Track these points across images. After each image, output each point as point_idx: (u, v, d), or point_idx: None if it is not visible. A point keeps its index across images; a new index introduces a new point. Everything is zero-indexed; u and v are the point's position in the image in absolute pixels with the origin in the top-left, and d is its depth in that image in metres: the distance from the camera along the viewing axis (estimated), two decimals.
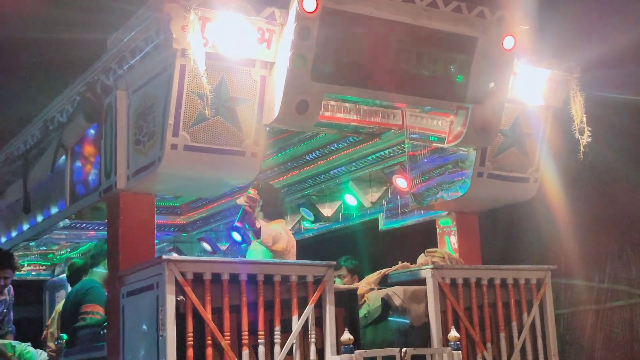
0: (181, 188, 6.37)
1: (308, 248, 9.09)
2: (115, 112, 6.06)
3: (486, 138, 6.50)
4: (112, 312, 5.95)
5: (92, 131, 6.46)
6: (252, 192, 6.60)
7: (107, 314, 6.08)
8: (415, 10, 6.03)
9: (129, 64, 5.83)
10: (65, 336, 6.81)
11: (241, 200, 6.55)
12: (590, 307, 9.37)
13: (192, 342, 5.28)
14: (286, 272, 5.70)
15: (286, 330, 5.63)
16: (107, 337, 6.03)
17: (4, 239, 8.44)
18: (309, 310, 5.69)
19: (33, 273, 10.11)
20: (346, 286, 6.23)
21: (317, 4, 5.62)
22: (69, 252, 9.97)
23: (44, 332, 8.25)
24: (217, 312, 5.43)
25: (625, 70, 7.53)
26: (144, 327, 5.49)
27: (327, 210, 8.68)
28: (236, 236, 9.51)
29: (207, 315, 5.36)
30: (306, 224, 9.02)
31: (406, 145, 7.19)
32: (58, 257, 10.30)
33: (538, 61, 6.75)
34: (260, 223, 6.68)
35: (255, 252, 7.04)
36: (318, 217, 8.71)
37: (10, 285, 8.45)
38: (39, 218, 7.48)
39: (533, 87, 6.77)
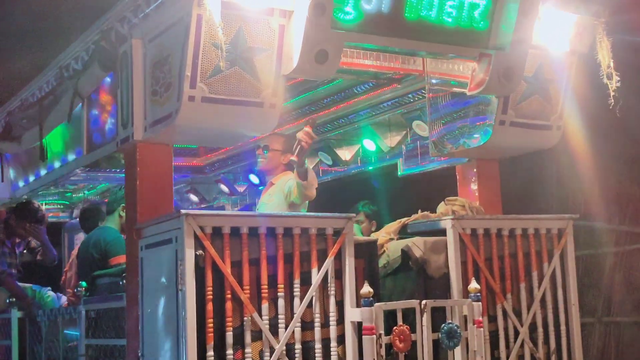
0: (199, 139, 6.31)
1: (326, 192, 9.02)
2: (131, 61, 5.94)
3: (509, 86, 6.35)
4: (131, 264, 5.93)
5: (108, 79, 6.36)
6: (307, 128, 6.43)
7: (126, 265, 6.06)
8: None
9: (144, 12, 5.68)
10: (84, 284, 6.82)
11: (300, 134, 6.39)
12: (609, 249, 9.35)
13: (211, 296, 5.26)
14: (305, 225, 5.63)
15: (306, 282, 5.59)
16: (126, 288, 6.03)
17: (22, 183, 8.42)
18: (329, 262, 5.65)
19: (51, 214, 10.09)
20: (366, 238, 6.19)
21: None
22: (87, 193, 9.95)
23: (63, 277, 8.30)
24: (237, 266, 5.38)
25: None
26: (163, 280, 5.47)
27: (345, 154, 8.59)
28: (254, 178, 9.50)
29: (227, 269, 5.33)
30: (324, 167, 8.94)
31: (426, 91, 7.07)
32: (75, 198, 10.30)
33: (564, 5, 6.56)
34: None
35: (269, 204, 6.97)
36: (336, 161, 8.63)
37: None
38: (56, 164, 7.43)
39: (558, 32, 6.59)
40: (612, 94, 6.41)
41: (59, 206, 10.53)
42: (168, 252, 5.41)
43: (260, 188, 8.67)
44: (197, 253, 5.27)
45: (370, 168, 8.58)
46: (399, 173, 8.13)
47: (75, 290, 6.88)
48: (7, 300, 7.94)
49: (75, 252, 8.15)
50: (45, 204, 9.98)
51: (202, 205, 10.26)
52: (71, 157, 7.13)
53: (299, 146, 6.39)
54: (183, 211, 5.26)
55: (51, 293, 8.29)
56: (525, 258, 6.45)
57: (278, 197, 6.94)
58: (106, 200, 8.08)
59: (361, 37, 5.87)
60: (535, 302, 6.43)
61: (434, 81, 6.93)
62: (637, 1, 7.02)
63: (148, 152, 5.94)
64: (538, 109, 6.80)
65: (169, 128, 5.64)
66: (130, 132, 5.92)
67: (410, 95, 7.45)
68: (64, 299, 8.25)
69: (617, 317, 9.18)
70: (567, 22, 6.60)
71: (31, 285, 8.33)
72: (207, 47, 5.42)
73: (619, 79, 6.44)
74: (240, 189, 10.01)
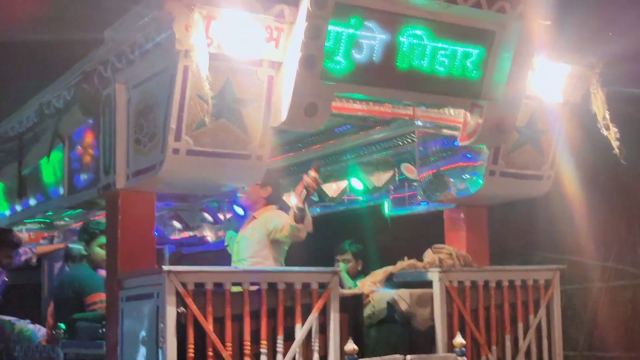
0: (183, 188, 6.16)
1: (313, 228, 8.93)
2: (114, 106, 5.79)
3: (501, 137, 6.25)
4: (111, 314, 5.79)
5: (90, 121, 6.20)
6: (313, 173, 6.29)
7: (107, 314, 5.92)
8: (432, 5, 5.74)
9: (127, 59, 5.55)
10: (63, 326, 6.68)
11: (307, 180, 6.24)
12: (594, 284, 9.31)
13: (192, 354, 5.15)
14: (290, 280, 5.53)
15: (289, 338, 5.48)
16: (106, 337, 5.89)
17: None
18: (313, 318, 5.54)
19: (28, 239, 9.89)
20: (351, 291, 6.09)
21: (327, 1, 5.33)
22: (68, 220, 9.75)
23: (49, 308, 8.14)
24: (219, 322, 5.28)
25: None
26: (144, 334, 5.35)
27: (331, 192, 8.47)
28: (238, 209, 9.35)
29: (209, 326, 5.22)
30: (311, 205, 8.80)
31: (415, 135, 6.98)
32: (55, 218, 10.08)
33: (558, 56, 6.46)
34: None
35: (250, 239, 6.83)
36: (322, 198, 8.51)
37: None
38: (32, 202, 7.28)
39: (552, 83, 6.50)
40: (614, 144, 6.31)
41: (40, 225, 10.32)
42: (149, 306, 5.29)
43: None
44: (179, 310, 5.16)
45: (357, 206, 8.46)
46: (386, 213, 8.01)
47: (54, 331, 6.74)
48: None
49: None
50: (25, 230, 9.78)
51: (185, 233, 10.11)
52: (51, 195, 6.98)
53: (305, 192, 6.28)
54: (165, 268, 5.14)
55: (30, 326, 8.11)
56: (512, 309, 6.38)
57: (260, 232, 6.82)
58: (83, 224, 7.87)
59: (351, 87, 5.77)
60: (520, 353, 6.36)
61: (422, 124, 6.84)
62: (630, 53, 6.94)
63: (130, 200, 5.80)
64: (529, 158, 6.71)
65: (153, 179, 5.50)
66: (112, 179, 5.78)
67: (399, 138, 7.34)
68: (42, 332, 8.09)
69: (598, 351, 9.14)
70: (560, 73, 6.51)
71: (10, 318, 8.15)
72: (193, 99, 5.27)
73: (616, 129, 6.36)
74: (223, 218, 9.86)
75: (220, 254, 9.88)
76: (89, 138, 6.24)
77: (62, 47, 6.95)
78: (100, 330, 6.09)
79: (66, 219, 9.45)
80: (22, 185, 6.92)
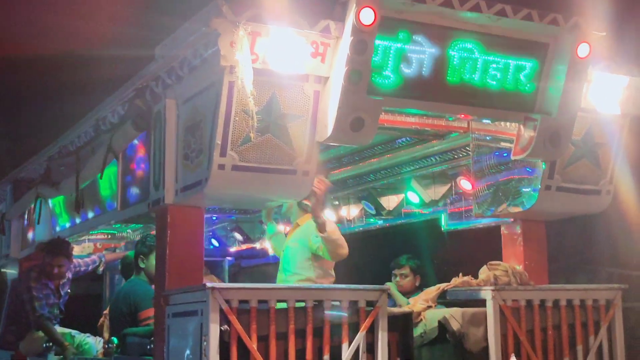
0: (231, 202, 6.15)
1: (369, 241, 8.84)
2: (164, 122, 5.83)
3: (555, 151, 6.07)
4: (158, 330, 5.81)
5: (142, 137, 6.25)
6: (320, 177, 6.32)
7: (154, 330, 5.94)
8: (482, 19, 5.62)
9: (177, 75, 5.58)
10: (116, 340, 6.73)
11: (314, 181, 6.14)
12: None
13: None
14: (336, 297, 5.45)
15: (336, 357, 5.39)
16: (153, 353, 5.91)
17: (58, 228, 8.40)
18: (360, 337, 5.45)
19: (94, 250, 10.05)
20: (401, 310, 5.96)
21: (375, 16, 5.26)
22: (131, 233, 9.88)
23: (101, 319, 8.23)
24: (263, 340, 5.22)
25: None
26: (188, 352, 5.34)
27: (388, 205, 8.38)
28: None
29: (252, 345, 5.17)
30: (369, 217, 8.73)
31: (470, 149, 6.84)
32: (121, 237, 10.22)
33: (616, 68, 6.25)
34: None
35: (292, 249, 6.79)
36: (379, 211, 8.42)
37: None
38: (90, 215, 7.37)
39: (609, 95, 6.28)
40: None
41: (106, 236, 10.44)
42: (193, 323, 5.28)
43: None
44: (222, 328, 5.13)
45: (414, 220, 8.34)
46: (442, 228, 7.87)
47: (107, 345, 6.80)
48: (45, 345, 7.89)
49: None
50: (88, 240, 9.94)
51: (245, 245, 10.12)
52: (107, 208, 7.06)
53: (315, 196, 6.30)
54: (209, 284, 5.12)
55: (90, 340, 8.20)
56: (570, 330, 6.16)
57: (302, 243, 6.76)
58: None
59: (400, 102, 5.69)
60: None
61: (477, 137, 6.70)
62: None
63: (179, 215, 5.83)
64: (586, 173, 6.50)
65: (199, 194, 5.50)
66: (162, 194, 5.80)
67: (454, 151, 7.22)
68: (100, 344, 8.17)
69: None
70: (618, 85, 6.29)
71: (71, 331, 8.27)
72: (239, 114, 5.26)
73: None
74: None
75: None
76: (140, 153, 6.30)
77: (118, 64, 7.05)
78: (148, 347, 6.10)
79: (129, 230, 9.61)
80: (80, 198, 6.99)
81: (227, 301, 5.13)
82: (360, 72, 5.32)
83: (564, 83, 5.90)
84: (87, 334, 8.25)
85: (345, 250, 6.54)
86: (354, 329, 5.45)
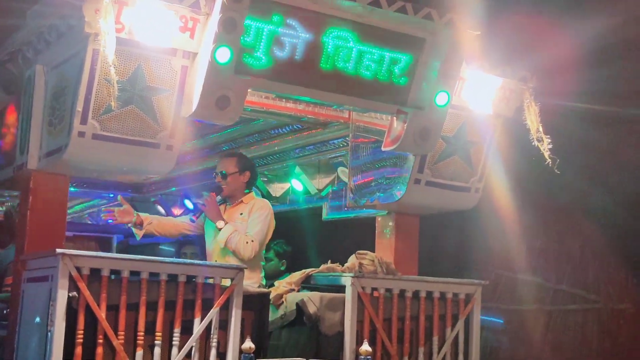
0: (96, 172, 6.10)
1: None
2: (33, 87, 5.78)
3: (425, 145, 6.19)
4: (14, 295, 5.77)
5: (14, 101, 6.20)
6: (207, 193, 6.42)
7: (11, 295, 5.89)
8: (357, 8, 5.69)
9: (45, 40, 5.54)
10: None
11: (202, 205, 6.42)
12: (545, 307, 9.25)
13: (81, 340, 5.08)
14: (192, 273, 5.48)
15: (187, 332, 5.42)
16: (8, 319, 5.86)
17: None
18: (213, 313, 5.49)
19: None
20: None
21: None
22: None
23: None
24: (113, 310, 5.22)
25: (578, 77, 7.22)
26: (38, 318, 5.30)
27: (275, 191, 8.42)
28: (188, 203, 9.35)
29: (101, 313, 5.16)
30: None
31: (349, 139, 6.93)
32: None
33: (489, 68, 6.40)
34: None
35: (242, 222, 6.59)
36: (266, 197, 8.44)
37: None
38: None
39: (482, 95, 6.42)
40: (546, 155, 6.25)
41: None
42: (44, 289, 5.24)
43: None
44: (70, 294, 5.10)
45: (298, 207, 8.39)
46: (323, 217, 7.95)
47: None
48: None
49: None
50: None
51: None
52: None
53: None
54: (59, 250, 5.09)
55: None
56: (428, 321, 6.28)
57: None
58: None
59: (269, 84, 5.72)
60: None
61: (356, 128, 6.79)
62: (560, 67, 6.87)
63: (43, 181, 5.79)
64: (457, 170, 6.64)
65: (60, 161, 5.47)
66: (25, 159, 5.75)
67: (335, 141, 7.29)
68: None
69: None
70: (492, 85, 6.44)
71: None
72: (102, 83, 5.24)
73: (549, 141, 6.28)
74: (177, 212, 9.84)
75: (167, 247, 9.87)
76: (11, 117, 6.23)
77: None
78: (4, 311, 6.05)
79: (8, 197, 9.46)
80: None
81: (78, 268, 5.11)
82: (228, 50, 5.35)
83: (436, 79, 6.00)
84: None
85: (241, 256, 6.27)
86: (208, 305, 5.49)
